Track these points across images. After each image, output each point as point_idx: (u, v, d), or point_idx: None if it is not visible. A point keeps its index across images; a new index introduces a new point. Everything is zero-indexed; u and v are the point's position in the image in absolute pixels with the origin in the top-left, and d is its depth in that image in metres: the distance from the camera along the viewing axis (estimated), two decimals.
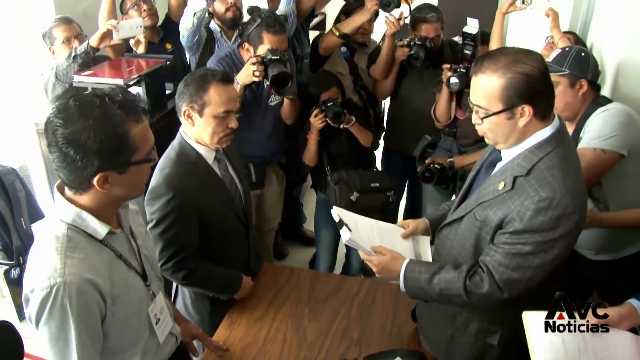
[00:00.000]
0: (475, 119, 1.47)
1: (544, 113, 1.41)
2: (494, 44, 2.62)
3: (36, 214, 2.72)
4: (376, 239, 1.69)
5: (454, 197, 2.76)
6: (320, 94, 2.62)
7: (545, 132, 1.42)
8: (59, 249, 1.20)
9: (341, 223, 1.61)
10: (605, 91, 2.45)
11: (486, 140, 1.51)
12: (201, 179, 1.89)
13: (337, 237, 2.99)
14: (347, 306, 2.06)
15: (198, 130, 1.86)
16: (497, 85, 1.38)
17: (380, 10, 2.73)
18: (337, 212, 1.67)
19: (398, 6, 2.68)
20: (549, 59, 2.02)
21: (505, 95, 1.38)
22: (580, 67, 1.97)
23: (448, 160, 2.67)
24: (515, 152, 1.45)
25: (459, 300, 1.52)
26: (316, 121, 2.58)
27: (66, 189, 1.27)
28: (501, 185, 1.44)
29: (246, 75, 2.37)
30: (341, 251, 3.19)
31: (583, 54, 2.00)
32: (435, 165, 2.65)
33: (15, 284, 2.59)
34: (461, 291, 1.48)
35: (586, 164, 1.88)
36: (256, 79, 2.37)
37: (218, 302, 2.05)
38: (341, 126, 2.58)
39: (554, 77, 1.90)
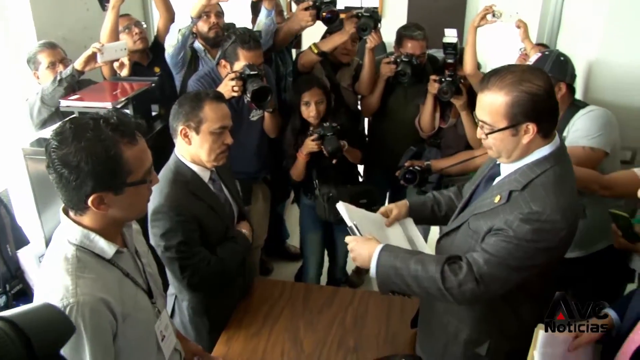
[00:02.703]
0: (480, 133, 1.51)
1: (547, 131, 1.45)
2: (468, 58, 2.65)
3: (21, 240, 2.68)
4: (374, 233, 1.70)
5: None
6: (301, 95, 2.59)
7: (544, 150, 1.46)
8: (70, 269, 1.22)
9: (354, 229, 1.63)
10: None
11: (489, 153, 1.55)
12: (200, 197, 1.93)
13: (324, 240, 3.02)
14: (342, 316, 2.10)
15: (195, 149, 1.90)
16: (503, 102, 1.40)
17: None
18: (344, 208, 1.68)
19: (374, 30, 2.74)
20: (529, 62, 2.11)
21: (511, 113, 1.40)
22: (559, 71, 2.06)
23: (425, 163, 2.72)
24: (514, 167, 1.49)
25: (434, 288, 1.46)
26: (312, 145, 2.55)
27: (70, 211, 1.29)
28: (497, 199, 1.48)
29: (225, 90, 2.38)
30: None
31: (562, 58, 2.09)
32: (416, 167, 2.69)
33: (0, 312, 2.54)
34: (437, 274, 1.44)
35: (576, 162, 1.96)
36: (235, 94, 2.40)
37: (216, 319, 2.07)
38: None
39: None
